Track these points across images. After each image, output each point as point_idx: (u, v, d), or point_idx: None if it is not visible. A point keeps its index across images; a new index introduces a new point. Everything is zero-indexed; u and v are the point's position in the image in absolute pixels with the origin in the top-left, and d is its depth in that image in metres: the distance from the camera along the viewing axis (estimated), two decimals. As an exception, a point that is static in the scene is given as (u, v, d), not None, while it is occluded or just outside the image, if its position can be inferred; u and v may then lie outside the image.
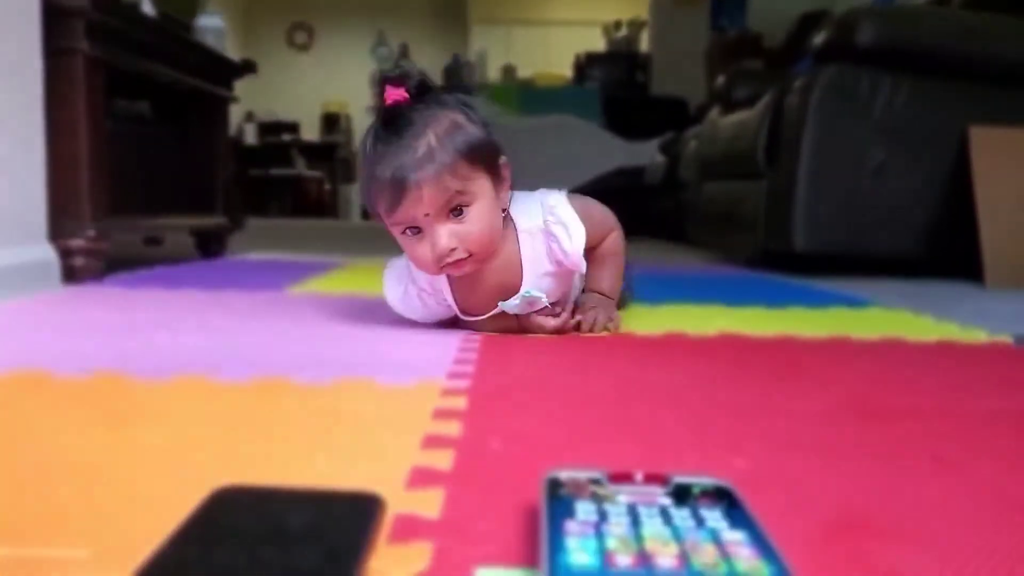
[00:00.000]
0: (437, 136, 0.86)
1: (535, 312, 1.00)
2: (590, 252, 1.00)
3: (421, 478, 0.48)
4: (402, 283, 1.01)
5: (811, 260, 2.06)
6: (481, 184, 0.89)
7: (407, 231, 0.89)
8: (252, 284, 1.60)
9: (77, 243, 1.57)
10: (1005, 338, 1.07)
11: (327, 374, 0.76)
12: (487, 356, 0.88)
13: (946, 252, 2.01)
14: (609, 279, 1.06)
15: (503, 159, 0.93)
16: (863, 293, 1.63)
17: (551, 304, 1.01)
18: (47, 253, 1.49)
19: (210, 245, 2.35)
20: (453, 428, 0.59)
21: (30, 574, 0.35)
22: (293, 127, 7.70)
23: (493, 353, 0.90)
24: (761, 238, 2.19)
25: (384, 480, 0.46)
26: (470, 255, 0.90)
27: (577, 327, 1.02)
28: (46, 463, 0.50)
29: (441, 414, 0.63)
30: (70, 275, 1.54)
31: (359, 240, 3.53)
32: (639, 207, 3.85)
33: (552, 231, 0.96)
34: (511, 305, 0.97)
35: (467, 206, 0.88)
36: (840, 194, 2.01)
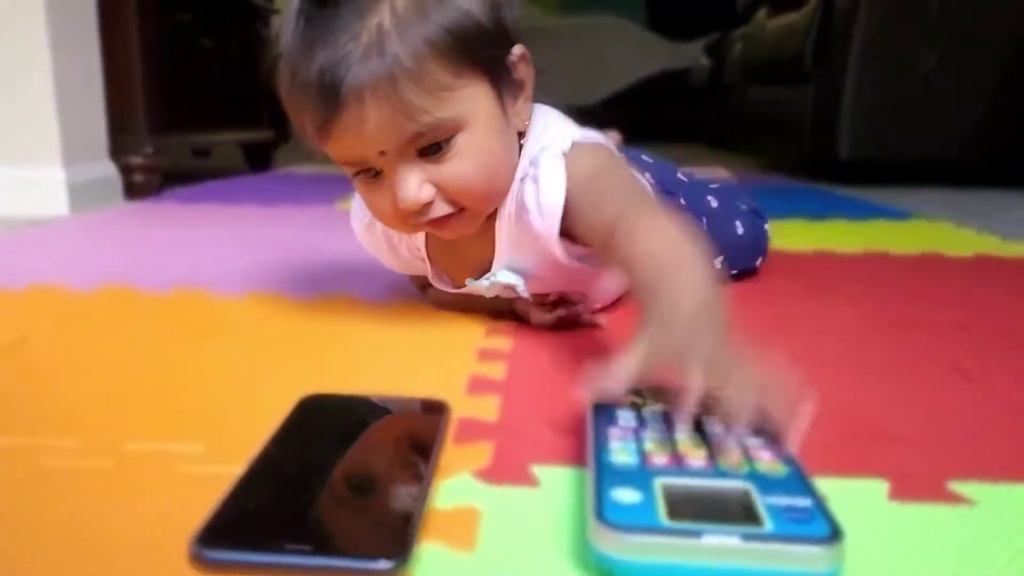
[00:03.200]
0: (396, 12, 0.52)
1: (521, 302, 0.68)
2: (603, 249, 0.57)
3: (479, 385, 0.54)
4: (365, 214, 0.68)
5: (857, 168, 2.03)
6: (473, 96, 0.56)
7: (358, 173, 0.58)
8: (303, 199, 1.65)
9: (136, 160, 1.64)
10: (1045, 251, 1.08)
11: (387, 294, 0.82)
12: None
13: (997, 159, 1.96)
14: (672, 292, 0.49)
15: (517, 50, 0.59)
16: (907, 204, 1.62)
17: (547, 296, 0.69)
18: (109, 170, 1.56)
19: (258, 158, 2.40)
20: (505, 343, 0.65)
21: (159, 464, 0.42)
22: (329, 31, 7.58)
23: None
24: (806, 145, 2.16)
25: (446, 387, 0.53)
26: (461, 209, 0.58)
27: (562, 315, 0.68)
28: (152, 372, 0.58)
29: (493, 331, 0.68)
30: (131, 191, 1.62)
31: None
32: (683, 111, 3.78)
33: (523, 185, 0.62)
34: (481, 286, 0.68)
35: (451, 137, 0.55)
36: (889, 99, 1.95)
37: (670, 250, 0.51)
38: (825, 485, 0.40)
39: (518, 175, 0.62)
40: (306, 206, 1.54)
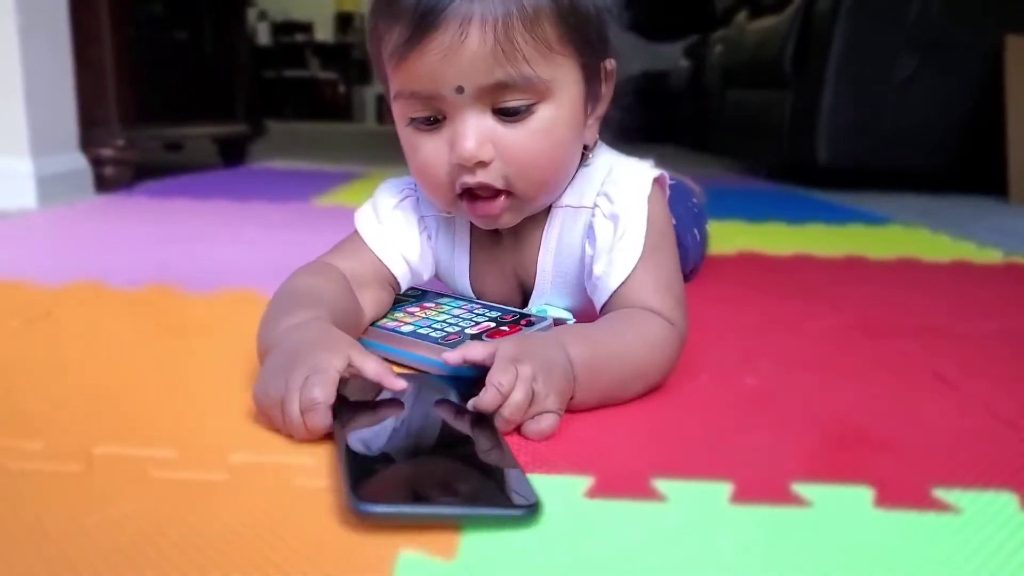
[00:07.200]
0: None
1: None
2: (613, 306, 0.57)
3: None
4: (402, 193, 0.65)
5: (834, 173, 2.05)
6: (568, 71, 0.53)
7: (417, 118, 0.54)
8: (278, 195, 1.63)
9: (107, 152, 1.60)
10: (1019, 258, 1.09)
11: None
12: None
13: (972, 167, 1.99)
14: (604, 348, 0.50)
15: (612, 63, 0.58)
16: (884, 209, 1.63)
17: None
18: (79, 162, 1.52)
19: (232, 152, 2.37)
20: (486, 343, 0.63)
21: (129, 469, 0.41)
22: (307, 27, 7.52)
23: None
24: (784, 149, 2.17)
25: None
26: (507, 192, 0.54)
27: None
28: (124, 371, 0.56)
29: (474, 330, 0.67)
30: (101, 184, 1.58)
31: (375, 147, 3.53)
32: (663, 113, 3.79)
33: (594, 224, 0.58)
34: None
35: (534, 103, 0.52)
36: (866, 105, 1.97)
37: (636, 329, 0.53)
38: (810, 492, 0.40)
39: (581, 200, 0.60)
40: (281, 202, 1.52)
